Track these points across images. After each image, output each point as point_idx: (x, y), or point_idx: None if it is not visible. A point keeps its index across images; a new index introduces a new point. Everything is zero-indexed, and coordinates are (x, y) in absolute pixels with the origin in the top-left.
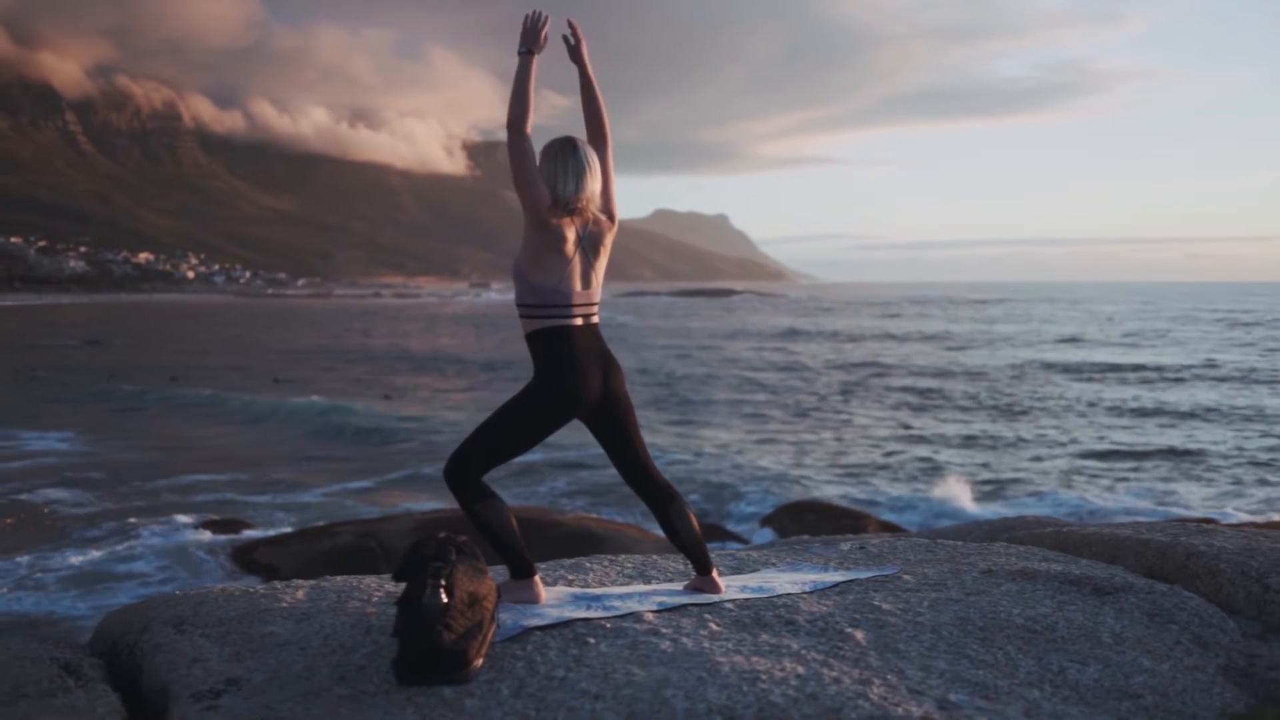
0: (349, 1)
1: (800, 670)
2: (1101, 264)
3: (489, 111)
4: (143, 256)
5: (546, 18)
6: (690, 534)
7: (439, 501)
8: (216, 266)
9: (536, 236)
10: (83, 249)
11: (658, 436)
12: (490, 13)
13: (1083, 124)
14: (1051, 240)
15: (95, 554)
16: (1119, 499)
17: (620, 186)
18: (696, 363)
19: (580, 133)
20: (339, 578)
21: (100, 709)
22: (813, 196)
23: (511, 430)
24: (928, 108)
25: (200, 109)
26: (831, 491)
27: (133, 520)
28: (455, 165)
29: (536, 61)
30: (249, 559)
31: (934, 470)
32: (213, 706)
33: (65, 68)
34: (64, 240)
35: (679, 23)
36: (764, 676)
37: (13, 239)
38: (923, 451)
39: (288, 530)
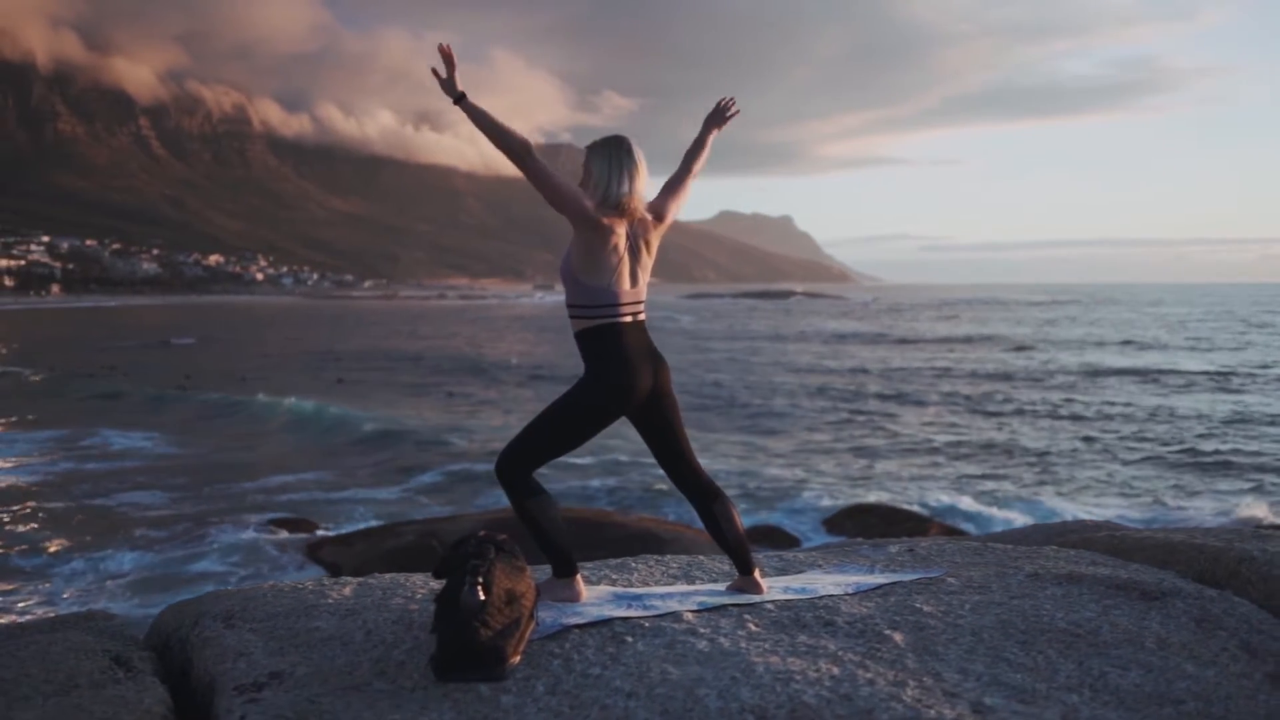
0: (413, 6)
1: (835, 671)
2: (1172, 265)
3: (552, 114)
4: (213, 258)
5: (446, 63)
6: (734, 533)
7: (501, 499)
8: (285, 268)
9: (587, 237)
10: (155, 251)
11: (711, 440)
12: (552, 15)
13: (1154, 123)
14: (1121, 241)
15: (171, 552)
16: (1185, 505)
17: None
18: (750, 367)
19: (632, 136)
20: (387, 575)
21: (148, 700)
22: (878, 198)
23: (562, 427)
24: (995, 107)
25: (269, 113)
26: (893, 495)
27: (208, 519)
28: None
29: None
30: (315, 557)
31: (995, 474)
32: (255, 699)
33: (138, 73)
34: (137, 243)
35: (743, 24)
36: (798, 677)
37: (88, 242)
38: (983, 456)
39: (354, 529)
